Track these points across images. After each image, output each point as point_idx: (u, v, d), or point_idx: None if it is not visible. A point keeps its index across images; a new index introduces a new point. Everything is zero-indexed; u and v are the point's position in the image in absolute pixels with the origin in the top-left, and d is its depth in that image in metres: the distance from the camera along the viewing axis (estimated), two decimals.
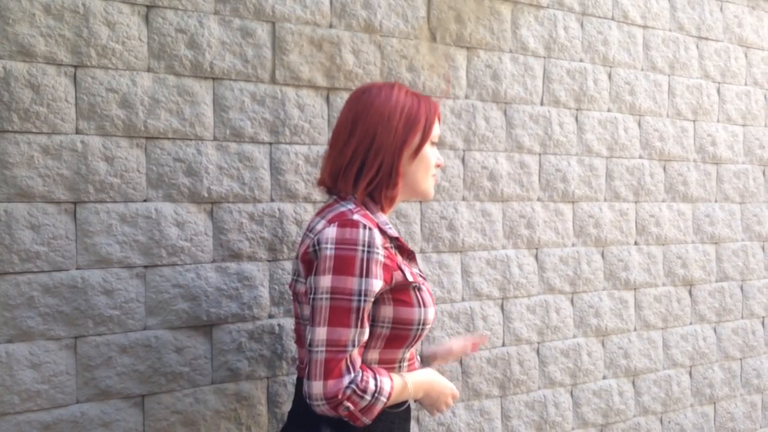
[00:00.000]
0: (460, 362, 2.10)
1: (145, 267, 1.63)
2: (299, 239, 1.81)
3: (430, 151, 1.46)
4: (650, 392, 2.53)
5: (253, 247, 1.76)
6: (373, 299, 1.32)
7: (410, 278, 1.38)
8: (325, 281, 1.29)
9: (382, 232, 1.39)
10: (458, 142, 2.09)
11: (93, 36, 1.57)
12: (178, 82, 1.67)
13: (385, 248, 1.36)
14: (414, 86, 2.00)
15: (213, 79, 1.71)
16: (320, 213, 1.43)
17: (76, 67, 1.55)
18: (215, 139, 1.72)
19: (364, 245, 1.29)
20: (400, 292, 1.37)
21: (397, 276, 1.36)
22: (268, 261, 1.79)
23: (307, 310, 1.39)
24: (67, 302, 1.54)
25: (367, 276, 1.29)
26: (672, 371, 2.59)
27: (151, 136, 1.63)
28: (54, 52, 1.53)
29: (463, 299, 2.11)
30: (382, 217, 1.42)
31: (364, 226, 1.30)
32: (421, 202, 2.02)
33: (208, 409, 1.70)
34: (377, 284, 1.31)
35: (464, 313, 2.11)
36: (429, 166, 1.46)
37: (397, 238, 1.43)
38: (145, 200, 1.63)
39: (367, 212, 1.39)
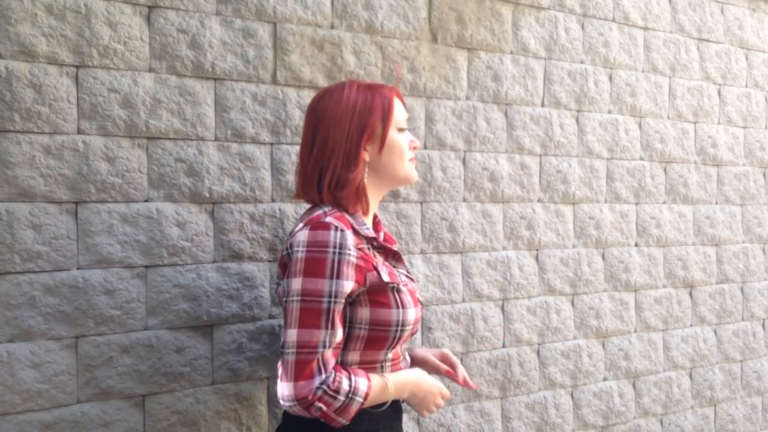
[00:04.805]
0: (461, 362, 2.10)
1: (146, 267, 1.63)
2: None
3: (398, 137, 1.46)
4: (651, 394, 2.52)
5: (254, 247, 1.76)
6: (344, 300, 1.32)
7: (387, 279, 1.38)
8: (296, 283, 1.30)
9: (357, 232, 1.39)
10: (459, 143, 2.09)
11: (95, 36, 1.57)
12: (180, 82, 1.67)
13: (359, 249, 1.36)
14: (415, 87, 2.00)
15: (214, 79, 1.71)
16: (302, 216, 1.44)
17: (77, 67, 1.55)
18: (216, 139, 1.72)
19: (335, 247, 1.30)
20: (377, 293, 1.37)
21: (372, 277, 1.36)
22: (269, 261, 1.79)
23: None
24: (68, 302, 1.54)
25: (337, 277, 1.30)
26: (672, 373, 2.58)
27: (152, 136, 1.64)
28: (56, 52, 1.53)
29: (463, 300, 2.11)
30: (360, 218, 1.43)
31: (336, 228, 1.31)
32: (421, 203, 2.03)
33: (209, 410, 1.70)
34: (348, 285, 1.32)
35: (464, 314, 2.11)
36: (402, 151, 1.46)
37: (374, 239, 1.43)
38: (146, 200, 1.63)
39: (344, 214, 1.39)
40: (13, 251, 1.49)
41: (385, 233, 1.55)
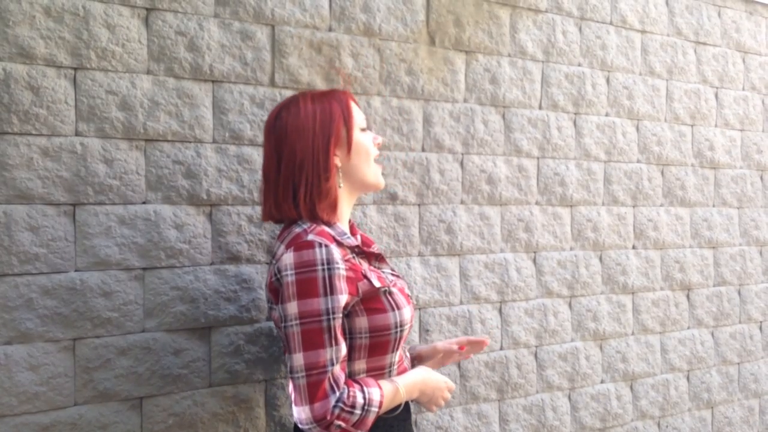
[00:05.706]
0: (458, 365, 2.10)
1: (144, 269, 1.63)
2: None
3: (362, 138, 1.47)
4: (648, 396, 2.53)
5: (251, 249, 1.76)
6: (342, 314, 1.33)
7: (377, 284, 1.38)
8: (292, 308, 1.30)
9: (340, 244, 1.39)
10: (457, 146, 2.10)
11: (93, 38, 1.57)
12: (178, 84, 1.67)
13: (346, 260, 1.36)
14: (413, 90, 2.01)
15: (212, 81, 1.72)
16: (280, 236, 1.44)
17: (75, 69, 1.55)
18: (214, 141, 1.72)
19: (323, 263, 1.30)
20: (371, 300, 1.38)
21: (363, 285, 1.37)
22: (267, 263, 1.79)
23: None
24: (66, 304, 1.54)
25: (331, 294, 1.30)
26: (670, 375, 2.59)
27: (150, 138, 1.64)
28: (54, 54, 1.53)
29: (461, 302, 2.11)
30: (340, 228, 1.43)
31: (320, 245, 1.31)
32: (419, 205, 2.03)
33: (206, 412, 1.70)
34: (343, 299, 1.32)
35: (462, 316, 2.11)
36: (368, 152, 1.47)
37: (357, 246, 1.44)
38: (144, 202, 1.63)
39: (323, 227, 1.39)
40: (10, 253, 1.49)
41: (362, 236, 1.55)
